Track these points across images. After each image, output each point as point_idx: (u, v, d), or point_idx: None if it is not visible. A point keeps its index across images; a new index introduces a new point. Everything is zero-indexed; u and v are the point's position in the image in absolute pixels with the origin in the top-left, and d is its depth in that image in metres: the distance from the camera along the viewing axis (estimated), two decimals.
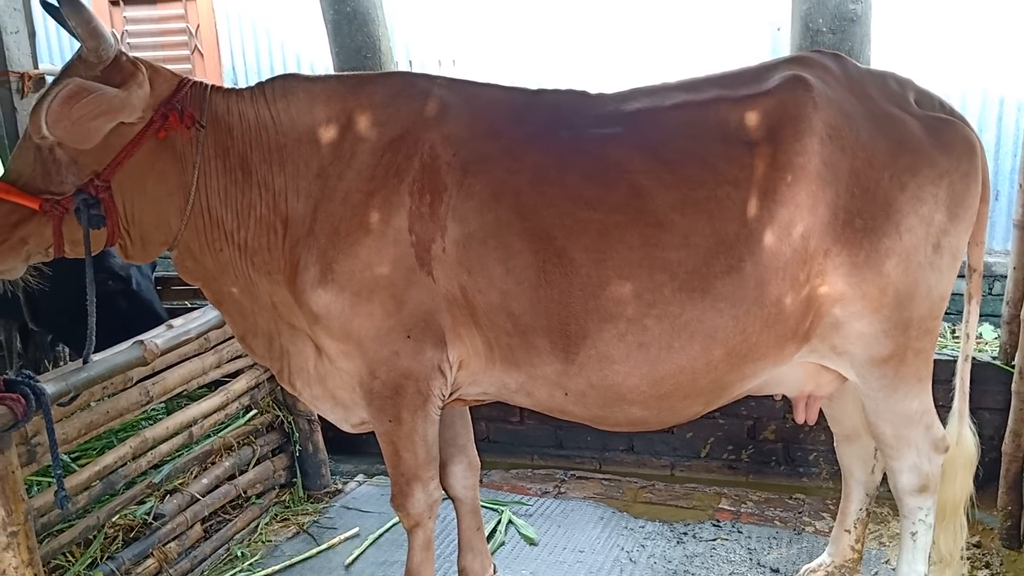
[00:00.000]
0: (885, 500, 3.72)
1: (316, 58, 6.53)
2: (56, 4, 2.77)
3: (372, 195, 2.59)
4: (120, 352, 3.05)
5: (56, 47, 7.20)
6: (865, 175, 2.56)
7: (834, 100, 2.60)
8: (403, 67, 6.04)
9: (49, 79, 4.51)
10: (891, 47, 4.99)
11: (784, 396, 3.10)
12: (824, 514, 4.09)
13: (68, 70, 2.47)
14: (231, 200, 2.66)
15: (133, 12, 7.06)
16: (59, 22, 2.72)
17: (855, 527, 3.37)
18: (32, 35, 4.48)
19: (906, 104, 2.70)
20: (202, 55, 6.94)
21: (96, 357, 2.94)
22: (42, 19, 4.79)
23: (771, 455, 4.50)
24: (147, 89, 2.49)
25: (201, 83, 2.68)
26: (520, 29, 6.35)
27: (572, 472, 4.66)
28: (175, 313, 4.08)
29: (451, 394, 2.83)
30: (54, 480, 2.77)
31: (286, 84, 2.71)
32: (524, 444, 4.85)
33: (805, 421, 3.09)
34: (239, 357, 3.91)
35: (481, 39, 6.42)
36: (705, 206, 2.50)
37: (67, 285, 3.34)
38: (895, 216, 2.58)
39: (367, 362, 2.68)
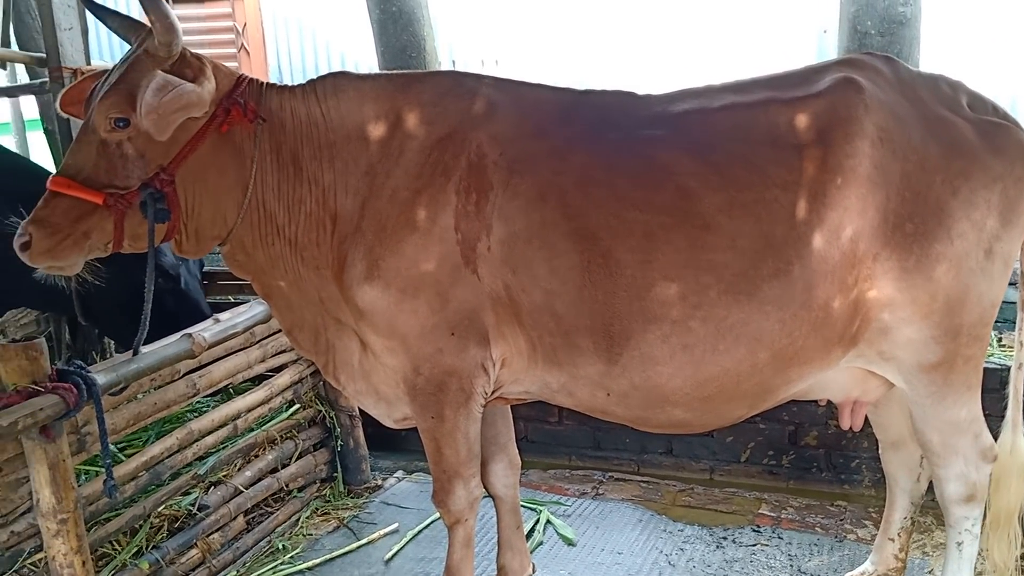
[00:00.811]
0: (929, 509, 3.65)
1: (361, 58, 6.58)
2: (98, 2, 2.83)
3: (419, 193, 2.61)
4: (169, 345, 3.10)
5: (106, 44, 7.32)
6: (916, 179, 2.53)
7: (885, 103, 2.57)
8: (446, 67, 6.08)
9: None
10: (940, 50, 4.91)
11: (829, 401, 3.06)
12: (866, 522, 4.03)
13: (134, 64, 2.49)
14: (283, 195, 2.70)
15: (181, 10, 7.17)
16: (100, 20, 2.78)
17: (899, 536, 3.32)
18: (85, 32, 4.55)
19: (958, 107, 2.66)
20: (248, 53, 7.04)
21: (145, 349, 3.00)
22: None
23: (812, 461, 4.45)
24: (214, 84, 2.53)
25: (256, 80, 2.72)
26: (564, 30, 6.36)
27: (610, 473, 4.64)
28: (221, 307, 4.15)
29: (493, 392, 2.84)
30: (103, 469, 2.83)
31: (336, 82, 2.74)
32: (562, 445, 4.85)
33: (850, 427, 3.05)
34: (283, 352, 3.96)
35: (525, 39, 6.44)
36: (753, 208, 2.49)
37: (118, 281, 3.41)
38: (947, 221, 2.54)
39: (411, 358, 2.70)
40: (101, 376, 2.77)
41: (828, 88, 2.58)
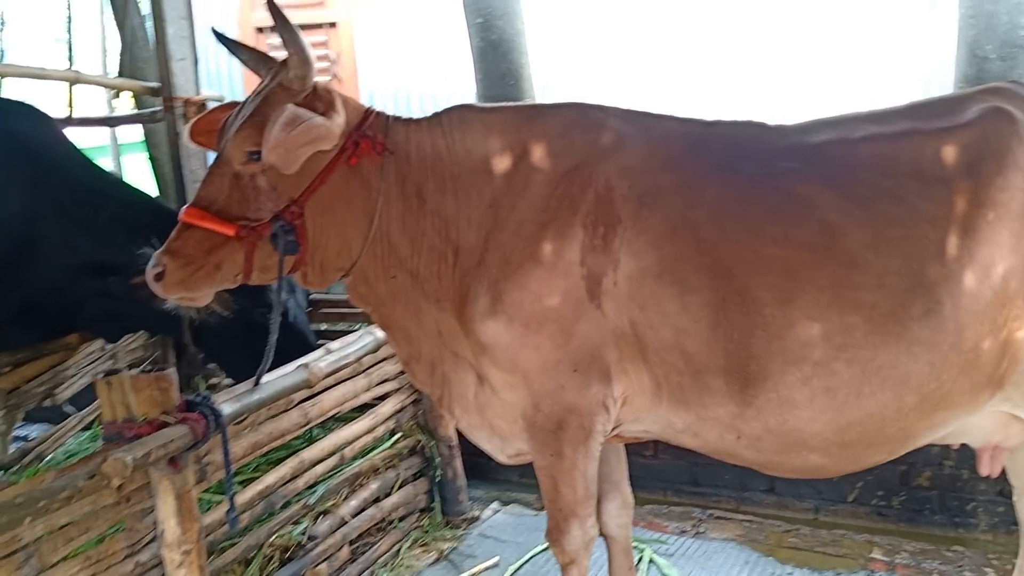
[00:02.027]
0: None
1: (454, 87, 6.59)
2: (225, 35, 2.87)
3: (545, 226, 2.57)
4: (287, 375, 3.12)
5: (211, 74, 7.47)
6: None
7: None
8: (539, 96, 6.07)
9: (211, 105, 4.70)
10: None
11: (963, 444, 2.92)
12: (986, 569, 3.84)
13: (268, 97, 2.51)
14: (407, 227, 2.68)
15: (277, 39, 7.31)
16: (232, 53, 2.81)
17: None
18: (196, 62, 4.66)
19: None
20: (341, 82, 7.14)
21: (264, 379, 3.01)
22: (205, 47, 4.98)
23: (925, 503, 4.26)
24: (344, 118, 2.53)
25: (383, 112, 2.72)
26: (661, 57, 6.30)
27: (710, 511, 4.51)
28: (324, 334, 4.18)
29: (612, 430, 2.77)
30: (222, 499, 2.83)
31: (462, 114, 2.72)
32: (658, 480, 4.73)
33: (986, 474, 2.89)
34: (386, 380, 3.95)
35: (620, 68, 6.39)
36: (901, 245, 2.39)
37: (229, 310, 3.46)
38: None
39: (532, 394, 2.65)
40: (227, 407, 2.78)
41: (977, 118, 2.48)
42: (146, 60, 5.97)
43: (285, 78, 2.51)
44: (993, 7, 4.01)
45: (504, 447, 2.93)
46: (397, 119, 2.73)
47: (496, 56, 4.90)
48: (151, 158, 6.16)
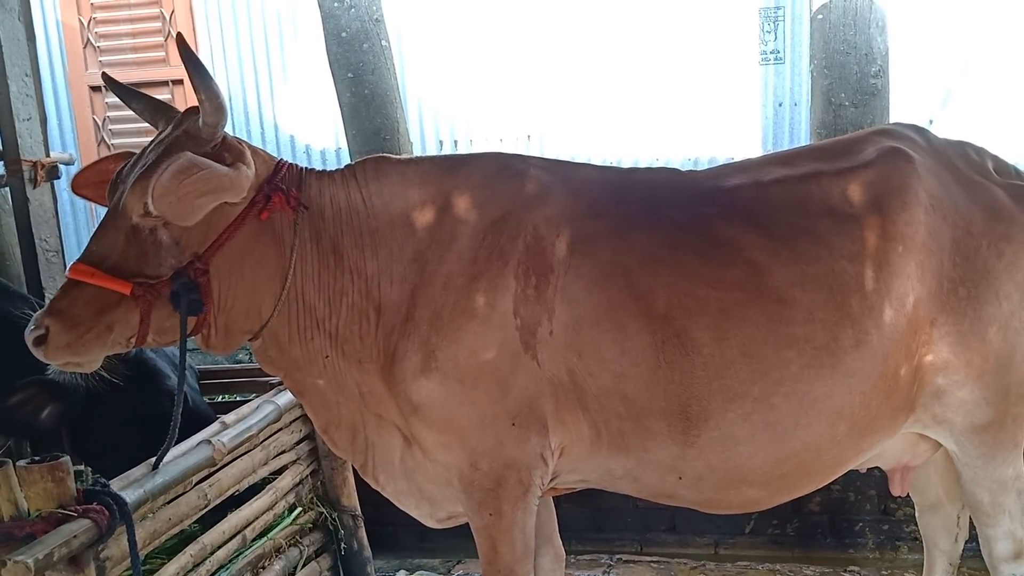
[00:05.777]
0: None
1: (324, 145, 6.43)
2: (118, 82, 2.68)
3: (476, 278, 2.51)
4: (188, 454, 2.86)
5: (58, 133, 6.95)
6: (965, 244, 2.58)
7: (932, 170, 2.63)
8: (418, 148, 5.99)
9: (63, 168, 4.35)
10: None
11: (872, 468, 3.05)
12: None
13: (173, 145, 2.35)
14: (324, 286, 2.56)
15: (114, 98, 6.91)
16: (125, 102, 2.65)
17: None
18: (44, 122, 4.30)
19: (987, 173, 2.75)
20: None
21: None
22: (54, 106, 4.63)
23: (817, 528, 4.43)
24: (254, 170, 2.40)
25: (295, 165, 2.61)
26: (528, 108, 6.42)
27: (617, 556, 4.50)
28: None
29: (548, 482, 2.71)
30: None
31: (378, 166, 2.64)
32: (561, 529, 4.65)
33: (898, 494, 3.04)
34: (283, 452, 3.70)
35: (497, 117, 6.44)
36: (825, 281, 2.48)
37: (114, 412, 3.17)
38: (994, 283, 2.60)
39: (468, 453, 2.57)
40: (129, 493, 2.51)
41: (877, 158, 2.63)
42: None
43: (193, 127, 2.36)
44: (844, 58, 4.33)
45: (434, 511, 2.82)
46: (311, 171, 2.62)
47: (370, 111, 4.82)
48: None
